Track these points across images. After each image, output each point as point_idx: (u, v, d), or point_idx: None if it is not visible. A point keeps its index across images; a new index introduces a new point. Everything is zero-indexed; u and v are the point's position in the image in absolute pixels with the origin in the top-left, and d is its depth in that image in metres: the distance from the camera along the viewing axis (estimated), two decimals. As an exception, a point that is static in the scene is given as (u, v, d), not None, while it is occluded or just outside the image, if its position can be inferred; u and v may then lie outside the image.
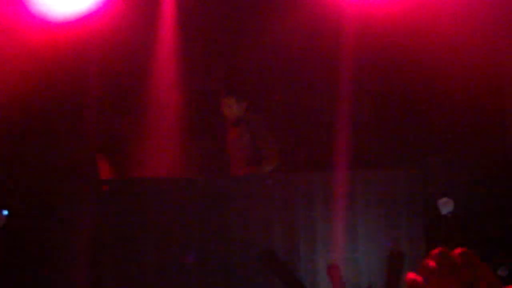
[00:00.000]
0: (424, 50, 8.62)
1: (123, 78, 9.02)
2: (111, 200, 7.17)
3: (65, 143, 8.32)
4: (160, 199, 7.16)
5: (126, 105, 9.05)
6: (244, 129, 8.09)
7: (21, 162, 7.96)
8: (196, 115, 8.92)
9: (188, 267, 7.00)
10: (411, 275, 5.19)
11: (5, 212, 7.28)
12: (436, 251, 5.28)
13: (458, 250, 5.34)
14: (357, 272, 7.17)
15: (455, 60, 8.57)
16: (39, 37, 8.40)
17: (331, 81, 8.86)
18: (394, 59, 8.72)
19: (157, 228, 7.07)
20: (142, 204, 7.11)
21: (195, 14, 9.09)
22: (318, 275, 7.11)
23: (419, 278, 5.12)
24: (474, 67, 8.51)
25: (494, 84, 8.60)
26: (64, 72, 8.52)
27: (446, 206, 7.69)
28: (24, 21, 8.41)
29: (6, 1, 8.36)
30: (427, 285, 5.13)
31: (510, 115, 8.55)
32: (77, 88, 8.64)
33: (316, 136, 8.99)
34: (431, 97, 8.67)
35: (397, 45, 8.71)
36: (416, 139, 8.59)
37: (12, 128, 8.23)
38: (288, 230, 7.18)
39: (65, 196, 7.12)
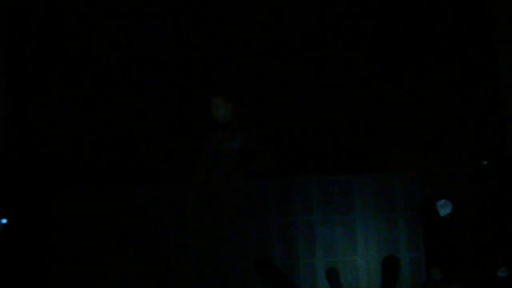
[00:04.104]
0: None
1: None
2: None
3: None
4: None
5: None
6: (234, 131, 8.06)
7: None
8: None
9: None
10: None
11: (4, 221, 7.31)
12: None
13: None
14: (356, 274, 7.18)
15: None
16: None
17: (325, 82, 8.84)
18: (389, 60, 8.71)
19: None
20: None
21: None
22: (317, 278, 7.13)
23: None
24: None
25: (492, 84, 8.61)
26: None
27: (444, 208, 7.68)
28: None
29: None
30: None
31: (509, 114, 8.55)
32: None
33: (315, 140, 8.98)
34: (428, 98, 8.66)
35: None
36: (414, 141, 8.59)
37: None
38: (287, 233, 7.20)
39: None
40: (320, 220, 7.24)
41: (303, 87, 8.77)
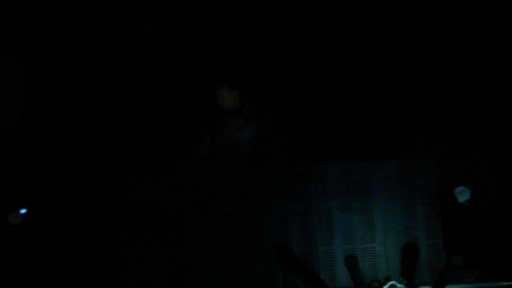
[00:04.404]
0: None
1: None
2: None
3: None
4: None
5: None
6: (246, 118, 7.99)
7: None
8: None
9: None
10: None
11: (23, 211, 7.33)
12: None
13: None
14: (375, 261, 7.17)
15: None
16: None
17: (344, 67, 8.77)
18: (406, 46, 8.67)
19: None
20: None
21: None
22: (336, 265, 7.13)
23: None
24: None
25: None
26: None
27: (463, 194, 7.66)
28: None
29: None
30: None
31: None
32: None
33: (333, 127, 8.96)
34: (445, 84, 8.62)
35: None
36: (433, 128, 8.56)
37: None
38: (305, 221, 7.20)
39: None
40: (338, 207, 7.23)
41: (320, 71, 8.73)
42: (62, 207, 7.25)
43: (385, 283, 6.87)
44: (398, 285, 6.84)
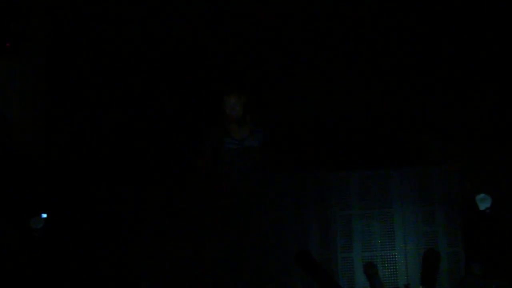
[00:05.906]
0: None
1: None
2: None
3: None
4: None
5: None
6: (254, 126, 7.91)
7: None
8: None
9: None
10: None
11: (44, 215, 7.38)
12: None
13: None
14: (394, 269, 7.15)
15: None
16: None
17: (363, 74, 8.72)
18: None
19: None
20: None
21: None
22: (355, 273, 7.12)
23: None
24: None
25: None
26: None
27: (484, 202, 7.61)
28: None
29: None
30: None
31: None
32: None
33: (353, 134, 8.94)
34: (467, 91, 8.58)
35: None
36: (453, 134, 8.52)
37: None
38: (325, 228, 7.19)
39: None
40: (358, 214, 7.21)
41: (341, 78, 8.70)
42: (84, 212, 7.30)
43: (404, 291, 6.87)
44: (418, 292, 6.84)
